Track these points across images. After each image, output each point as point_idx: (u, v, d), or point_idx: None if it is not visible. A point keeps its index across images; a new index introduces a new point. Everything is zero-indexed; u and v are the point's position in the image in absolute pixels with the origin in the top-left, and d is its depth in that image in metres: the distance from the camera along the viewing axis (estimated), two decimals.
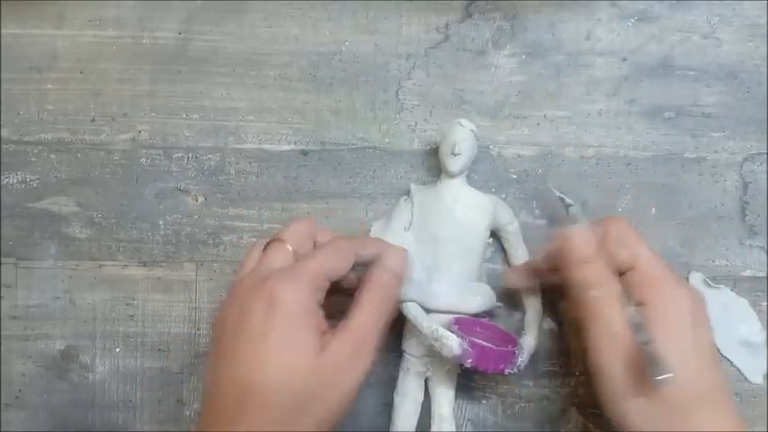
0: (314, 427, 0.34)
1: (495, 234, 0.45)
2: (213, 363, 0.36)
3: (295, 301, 0.34)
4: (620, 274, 0.37)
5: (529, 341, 0.42)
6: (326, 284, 0.36)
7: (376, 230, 0.44)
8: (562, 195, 0.41)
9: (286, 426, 0.33)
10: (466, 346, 0.38)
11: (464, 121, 0.43)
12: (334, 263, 0.36)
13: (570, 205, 0.41)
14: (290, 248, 0.37)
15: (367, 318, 0.36)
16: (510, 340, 0.41)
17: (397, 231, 0.43)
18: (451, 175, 0.43)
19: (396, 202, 0.45)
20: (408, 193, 0.44)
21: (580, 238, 0.37)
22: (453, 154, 0.42)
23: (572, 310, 0.40)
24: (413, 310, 0.40)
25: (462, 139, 0.42)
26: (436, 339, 0.39)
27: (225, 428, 0.33)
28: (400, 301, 0.40)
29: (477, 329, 0.41)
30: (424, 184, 0.46)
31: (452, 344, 0.38)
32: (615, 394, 0.35)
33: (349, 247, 0.38)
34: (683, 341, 0.35)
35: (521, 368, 0.41)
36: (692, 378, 0.34)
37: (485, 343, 0.39)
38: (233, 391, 0.34)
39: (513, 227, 0.44)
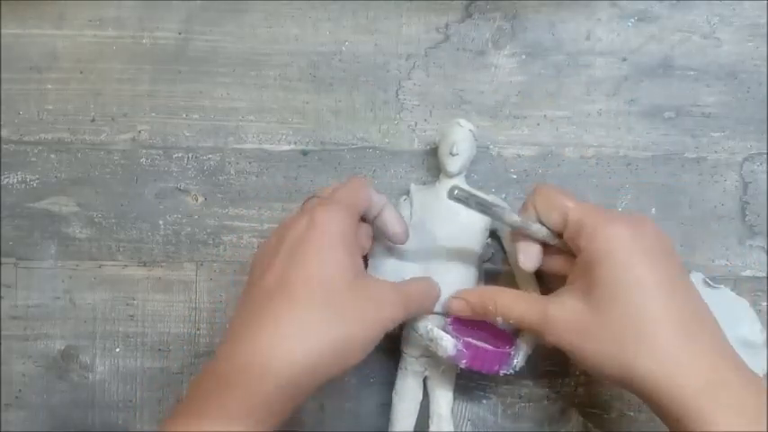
0: (332, 353, 0.33)
1: (494, 234, 0.45)
2: (247, 284, 0.37)
3: (334, 220, 0.35)
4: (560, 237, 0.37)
5: (526, 341, 0.42)
6: (357, 218, 0.38)
7: None
8: (475, 194, 0.39)
9: (310, 333, 0.33)
10: (460, 346, 0.39)
11: (463, 121, 0.43)
12: (359, 197, 0.38)
13: (495, 206, 0.39)
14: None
15: (414, 292, 0.38)
16: (507, 340, 0.41)
17: None
18: (450, 175, 0.43)
19: (396, 202, 0.45)
20: (408, 193, 0.44)
21: (454, 309, 0.40)
22: (452, 154, 0.42)
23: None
24: None
25: (461, 139, 0.42)
26: (431, 340, 0.39)
27: (252, 325, 0.33)
28: None
29: (473, 329, 0.40)
30: (424, 183, 0.46)
31: (447, 344, 0.38)
32: (577, 356, 0.35)
33: (365, 186, 0.39)
34: (627, 275, 0.33)
35: (516, 369, 0.40)
36: (636, 310, 0.32)
37: (479, 343, 0.39)
38: (267, 290, 0.34)
39: None
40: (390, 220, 0.40)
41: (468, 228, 0.42)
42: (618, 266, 0.33)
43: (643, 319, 0.32)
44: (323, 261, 0.34)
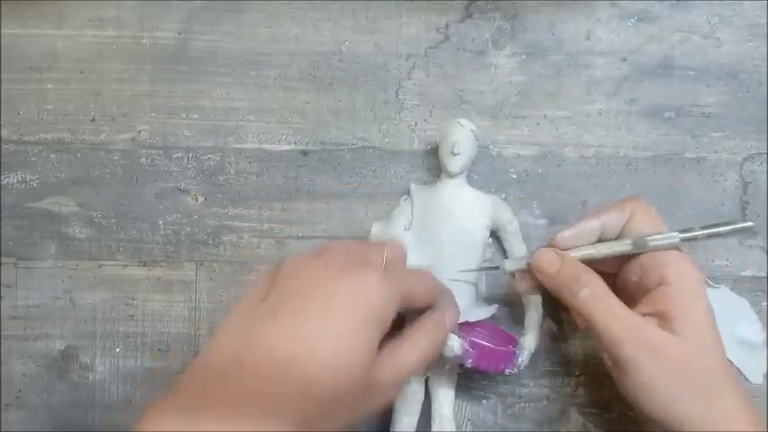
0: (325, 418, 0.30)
1: (495, 234, 0.45)
2: (253, 314, 0.32)
3: (385, 296, 0.32)
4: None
5: (529, 341, 0.42)
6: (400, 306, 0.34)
7: (376, 231, 0.44)
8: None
9: (312, 419, 0.30)
10: (467, 346, 0.38)
11: (464, 121, 0.43)
12: (420, 291, 0.35)
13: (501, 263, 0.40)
14: None
15: (419, 356, 0.34)
16: (510, 340, 0.41)
17: (398, 232, 0.43)
18: (451, 175, 0.43)
19: (396, 202, 0.45)
20: (408, 192, 0.44)
21: (543, 259, 0.38)
22: (453, 154, 0.42)
23: (578, 320, 0.40)
24: None
25: (462, 139, 0.42)
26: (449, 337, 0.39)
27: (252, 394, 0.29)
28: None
29: (478, 329, 0.41)
30: (425, 183, 0.46)
31: (453, 344, 0.38)
32: (644, 385, 0.35)
33: (432, 283, 0.37)
34: (709, 321, 0.36)
35: (521, 368, 0.41)
36: (721, 359, 0.35)
37: (485, 343, 0.39)
38: (271, 356, 0.30)
39: (512, 227, 0.44)
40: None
41: (469, 227, 0.42)
42: (693, 302, 0.36)
43: (724, 375, 0.35)
44: (353, 339, 0.31)
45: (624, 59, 0.47)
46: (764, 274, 0.46)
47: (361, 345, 0.31)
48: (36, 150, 0.47)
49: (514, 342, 0.41)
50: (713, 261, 0.46)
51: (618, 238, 0.38)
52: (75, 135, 0.47)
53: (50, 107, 0.48)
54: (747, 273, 0.46)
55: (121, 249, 0.46)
